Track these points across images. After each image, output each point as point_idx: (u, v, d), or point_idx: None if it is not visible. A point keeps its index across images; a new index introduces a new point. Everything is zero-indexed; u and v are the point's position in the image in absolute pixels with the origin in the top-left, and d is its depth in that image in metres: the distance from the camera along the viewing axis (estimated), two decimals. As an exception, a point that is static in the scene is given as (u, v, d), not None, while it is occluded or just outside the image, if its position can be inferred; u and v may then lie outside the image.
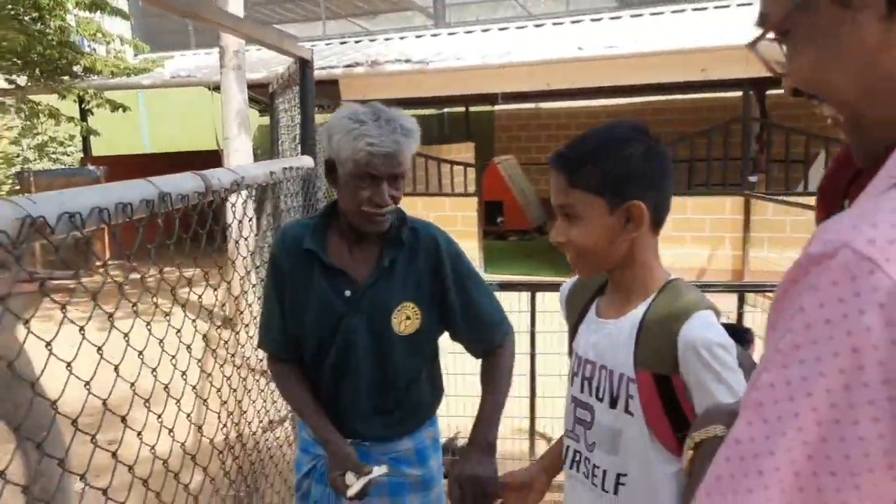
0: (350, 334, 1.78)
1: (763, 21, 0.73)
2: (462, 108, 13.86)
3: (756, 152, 8.99)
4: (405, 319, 1.79)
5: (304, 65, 2.76)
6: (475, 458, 1.72)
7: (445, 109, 14.55)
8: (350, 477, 1.66)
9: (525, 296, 3.37)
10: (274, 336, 1.87)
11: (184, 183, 1.57)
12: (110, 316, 1.29)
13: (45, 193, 1.12)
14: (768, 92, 9.70)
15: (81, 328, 1.16)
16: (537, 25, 10.37)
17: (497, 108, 14.04)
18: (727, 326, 1.33)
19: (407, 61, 8.40)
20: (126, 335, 1.34)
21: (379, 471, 1.68)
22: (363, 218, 1.73)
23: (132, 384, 1.41)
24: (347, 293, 1.77)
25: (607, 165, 1.33)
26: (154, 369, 1.44)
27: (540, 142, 14.67)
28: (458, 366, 3.23)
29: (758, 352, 0.90)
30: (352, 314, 1.77)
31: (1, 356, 1.02)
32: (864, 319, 0.54)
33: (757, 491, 0.58)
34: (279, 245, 1.86)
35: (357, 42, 11.00)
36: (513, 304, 3.33)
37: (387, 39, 10.86)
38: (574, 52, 7.80)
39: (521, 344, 3.28)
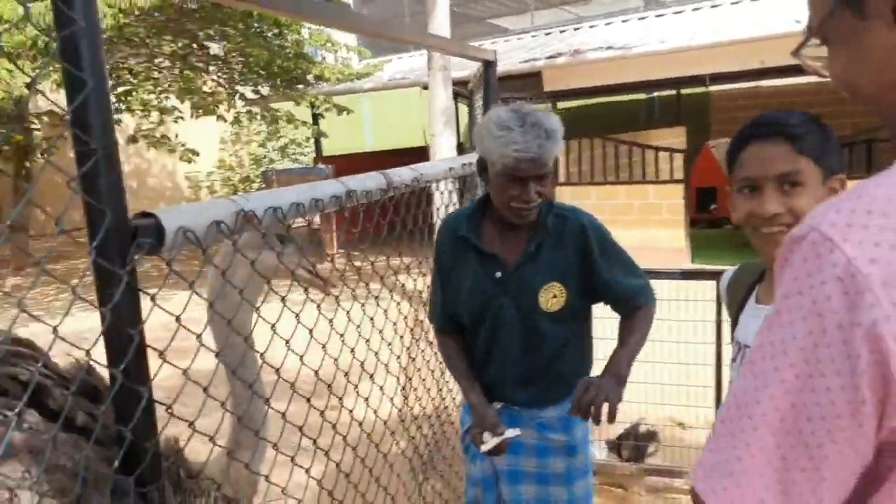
0: (499, 312, 2.00)
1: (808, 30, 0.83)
2: (673, 91, 13.34)
3: None
4: (552, 298, 1.97)
5: (488, 66, 2.98)
6: (608, 380, 1.87)
7: (655, 93, 14.07)
8: (487, 435, 1.90)
9: (711, 284, 3.32)
10: (438, 312, 2.15)
11: (368, 181, 1.86)
12: (309, 292, 1.60)
13: (256, 192, 1.43)
14: None
15: (281, 297, 1.46)
16: (753, 0, 9.75)
17: (712, 88, 13.32)
18: None
19: (609, 48, 8.35)
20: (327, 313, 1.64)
21: (511, 433, 1.90)
22: (512, 212, 1.94)
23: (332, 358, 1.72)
24: (498, 275, 2.00)
25: (825, 136, 1.37)
26: (351, 349, 1.74)
27: (760, 123, 13.69)
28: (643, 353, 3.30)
29: None
30: (501, 295, 1.99)
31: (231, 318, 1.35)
32: (826, 289, 0.65)
33: (747, 432, 0.70)
34: (440, 233, 2.13)
35: (562, 32, 11.08)
36: (697, 293, 3.31)
37: (591, 27, 10.81)
38: (790, 26, 7.27)
39: (706, 333, 3.27)
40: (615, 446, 3.53)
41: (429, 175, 2.19)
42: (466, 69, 8.92)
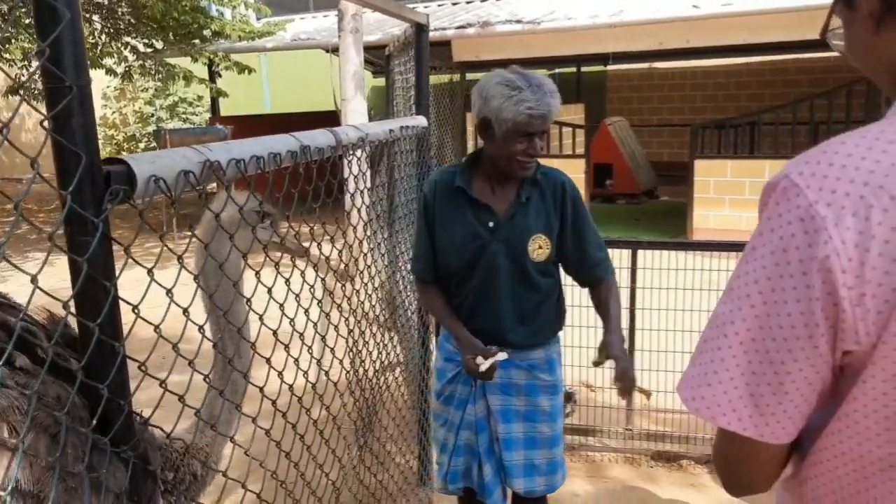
0: (494, 257, 2.18)
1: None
2: (573, 69, 13.69)
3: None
4: (538, 248, 2.17)
5: (420, 29, 2.94)
6: (628, 362, 2.18)
7: (557, 70, 14.39)
8: (480, 359, 2.08)
9: (626, 253, 3.47)
10: (422, 263, 2.30)
11: (319, 137, 1.81)
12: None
13: (217, 143, 1.37)
14: None
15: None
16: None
17: (609, 68, 13.76)
18: None
19: (518, 22, 8.43)
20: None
21: (502, 355, 2.09)
22: (518, 165, 2.11)
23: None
24: (491, 224, 2.17)
25: None
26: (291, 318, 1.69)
27: (653, 103, 14.31)
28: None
29: None
30: (494, 241, 2.18)
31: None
32: (790, 228, 0.77)
33: (723, 349, 0.82)
34: (430, 188, 2.27)
35: (468, 3, 11.07)
36: (614, 261, 3.44)
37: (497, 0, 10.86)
38: (689, 11, 7.59)
39: (622, 299, 3.41)
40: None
41: (373, 135, 2.16)
42: (375, 34, 8.78)
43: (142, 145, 16.50)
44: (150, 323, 1.09)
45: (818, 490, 0.87)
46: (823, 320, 0.75)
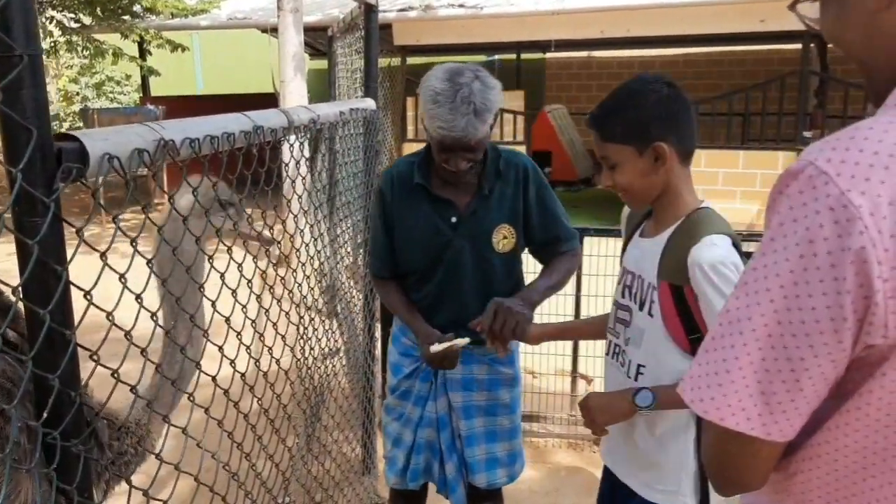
0: (457, 254, 2.10)
1: None
2: (513, 56, 13.73)
3: (814, 107, 8.81)
4: (503, 239, 2.10)
5: (369, 9, 2.89)
6: (517, 301, 1.98)
7: (497, 56, 14.42)
8: (435, 345, 2.00)
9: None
10: (380, 261, 2.21)
11: (271, 117, 1.75)
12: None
13: (169, 121, 1.30)
14: (831, 45, 9.43)
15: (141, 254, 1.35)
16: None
17: (549, 55, 13.86)
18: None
19: (460, 6, 8.40)
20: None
21: (461, 341, 2.00)
22: (445, 173, 2.03)
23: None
24: (453, 220, 2.08)
25: (627, 117, 1.59)
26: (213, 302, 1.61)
27: (591, 91, 14.47)
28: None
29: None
30: (457, 238, 2.10)
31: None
32: (818, 218, 0.72)
33: (737, 346, 0.78)
34: (387, 182, 2.15)
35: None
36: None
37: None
38: (629, 0, 7.71)
39: (568, 286, 3.43)
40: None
41: (324, 116, 2.10)
42: (315, 14, 8.60)
43: (66, 125, 15.77)
44: (103, 310, 1.04)
45: (809, 483, 0.84)
46: (852, 314, 0.72)
